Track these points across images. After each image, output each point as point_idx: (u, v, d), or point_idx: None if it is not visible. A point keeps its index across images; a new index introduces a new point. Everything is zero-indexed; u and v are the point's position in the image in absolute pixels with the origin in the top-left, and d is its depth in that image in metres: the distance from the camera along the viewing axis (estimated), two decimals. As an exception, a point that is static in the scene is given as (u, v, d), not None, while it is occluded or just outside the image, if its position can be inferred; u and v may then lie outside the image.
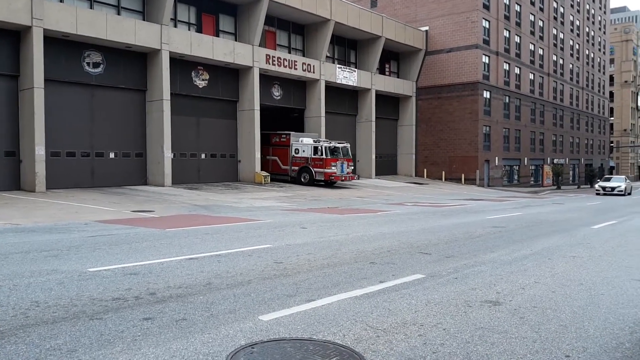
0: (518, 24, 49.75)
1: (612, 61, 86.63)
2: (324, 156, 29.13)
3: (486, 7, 44.44)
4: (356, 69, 36.19)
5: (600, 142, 74.48)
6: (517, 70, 49.89)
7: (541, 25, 54.71)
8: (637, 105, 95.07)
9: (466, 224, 14.66)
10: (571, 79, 63.06)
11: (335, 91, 35.52)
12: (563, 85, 60.65)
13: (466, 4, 43.53)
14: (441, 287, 6.68)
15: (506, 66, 47.89)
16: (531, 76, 52.98)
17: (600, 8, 72.45)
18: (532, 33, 52.77)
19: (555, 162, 57.51)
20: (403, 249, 9.73)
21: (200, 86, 27.62)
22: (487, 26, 44.70)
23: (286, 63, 30.59)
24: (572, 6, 62.57)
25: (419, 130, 44.14)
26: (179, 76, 26.41)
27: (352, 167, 31.41)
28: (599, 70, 73.17)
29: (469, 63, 43.42)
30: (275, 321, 5.08)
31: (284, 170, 30.75)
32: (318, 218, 15.01)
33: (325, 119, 33.47)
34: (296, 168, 30.20)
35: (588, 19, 67.95)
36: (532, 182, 53.81)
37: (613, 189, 39.79)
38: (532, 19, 52.74)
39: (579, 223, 15.98)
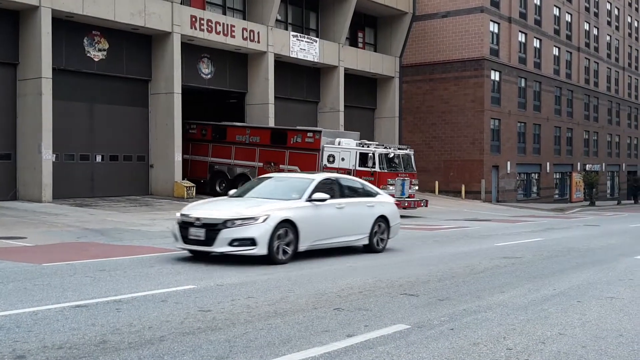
0: (538, -19, 51.27)
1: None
2: (377, 168, 26.90)
3: (495, -44, 45.62)
4: (318, 39, 36.43)
5: (648, 141, 77.18)
6: (536, 43, 51.26)
7: (568, -18, 56.53)
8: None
9: (467, 254, 14.84)
10: (609, 55, 65.24)
11: (289, 69, 35.63)
12: (598, 64, 62.67)
13: (468, -48, 44.56)
14: (432, 343, 6.72)
15: (522, 37, 49.15)
16: (556, 51, 54.52)
17: (646, -39, 75.48)
18: (557, -7, 54.47)
19: (587, 168, 59.20)
20: (380, 289, 9.77)
21: (97, 59, 27.21)
22: (497, -18, 45.86)
23: (220, 28, 30.52)
24: (609, -42, 65.00)
25: (404, 124, 44.72)
26: (65, 45, 25.96)
27: (417, 187, 30.02)
28: (645, 45, 75.97)
29: (472, 32, 44.37)
30: (197, 395, 5.02)
31: None
32: (263, 246, 14.92)
33: (274, 106, 33.54)
34: None
35: (630, -25, 70.67)
36: (556, 196, 55.21)
37: None
38: (557, -26, 54.46)
39: (619, 252, 16.41)
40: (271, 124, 32.84)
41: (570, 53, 57.06)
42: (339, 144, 28.15)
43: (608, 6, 64.94)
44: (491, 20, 45.05)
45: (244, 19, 33.16)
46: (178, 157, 28.81)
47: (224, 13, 32.47)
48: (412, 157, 29.18)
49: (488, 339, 7.00)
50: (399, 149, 28.68)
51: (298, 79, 36.91)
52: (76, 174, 26.89)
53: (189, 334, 6.75)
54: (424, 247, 16.26)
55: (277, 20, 34.61)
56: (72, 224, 18.66)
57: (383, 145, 28.28)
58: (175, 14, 28.47)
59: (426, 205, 29.24)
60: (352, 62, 38.57)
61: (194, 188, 28.98)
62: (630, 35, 70.77)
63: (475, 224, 25.58)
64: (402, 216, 26.35)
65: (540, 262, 13.85)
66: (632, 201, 62.11)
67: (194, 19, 29.40)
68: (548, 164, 53.32)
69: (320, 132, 28.69)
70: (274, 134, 29.94)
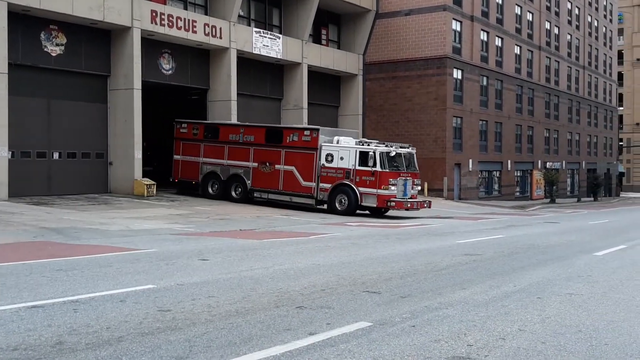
0: (500, -21, 51.90)
1: (620, 32, 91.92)
2: (377, 168, 25.83)
3: (458, -46, 46.03)
4: (281, 35, 36.38)
5: (607, 139, 78.75)
6: (498, 42, 51.89)
7: (530, -19, 57.34)
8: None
9: (429, 251, 14.99)
10: (569, 54, 66.37)
11: (252, 65, 35.52)
12: (558, 62, 63.70)
13: (431, -50, 44.87)
14: (393, 340, 6.77)
15: (484, 36, 49.71)
16: (517, 50, 55.25)
17: (605, -38, 76.94)
18: (518, -8, 55.19)
19: (548, 166, 60.16)
20: (343, 286, 9.81)
21: (54, 54, 26.80)
22: (459, -19, 46.27)
23: (181, 23, 30.27)
24: (569, -42, 66.08)
25: (368, 121, 44.94)
26: (21, 39, 25.50)
27: (419, 187, 29.35)
28: (605, 44, 77.48)
29: (435, 30, 44.72)
30: (156, 395, 4.98)
31: (305, 189, 27.38)
32: (226, 245, 14.90)
33: (237, 103, 33.40)
34: (327, 186, 26.80)
35: (590, -25, 71.96)
36: (517, 194, 56.00)
37: None
38: (518, -27, 55.18)
39: (579, 249, 16.74)
40: (234, 120, 32.67)
41: (532, 52, 57.87)
42: (337, 142, 27.17)
43: (569, 5, 66.03)
44: (454, 19, 45.47)
45: (206, 14, 32.96)
46: (138, 154, 28.48)
47: (185, 8, 32.20)
48: (414, 156, 28.24)
49: (449, 335, 7.07)
50: (400, 147, 27.67)
51: (261, 75, 36.82)
52: (33, 171, 26.44)
53: (148, 334, 6.69)
54: (386, 244, 16.37)
55: (239, 16, 34.49)
56: (29, 222, 18.35)
57: (384, 144, 27.29)
58: (135, 8, 28.15)
59: (429, 207, 28.58)
60: (316, 59, 38.59)
61: (155, 186, 28.68)
62: (590, 34, 72.06)
63: (437, 222, 25.83)
64: (359, 214, 26.73)
65: (501, 259, 14.05)
66: (592, 199, 63.35)
67: (154, 14, 29.10)
68: (509, 161, 54.03)
69: (317, 130, 27.62)
70: (269, 133, 29.01)
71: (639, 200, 70.74)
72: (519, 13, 55.50)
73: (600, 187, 65.19)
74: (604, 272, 12.43)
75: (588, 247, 17.29)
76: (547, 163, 60.64)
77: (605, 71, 77.59)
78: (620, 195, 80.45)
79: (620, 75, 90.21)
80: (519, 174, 56.80)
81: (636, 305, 9.14)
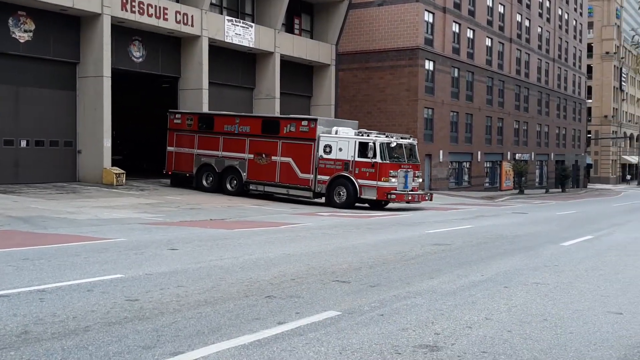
0: (472, -28, 52.13)
1: (590, 25, 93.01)
2: (377, 159, 25.02)
3: (430, -54, 46.13)
4: (254, 24, 36.20)
5: (575, 132, 79.72)
6: (469, 34, 52.17)
7: (501, -26, 57.66)
8: (620, 85, 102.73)
9: (399, 241, 15.08)
10: (540, 47, 66.96)
11: (224, 54, 35.31)
12: (529, 55, 64.26)
13: (404, -59, 44.89)
14: (362, 328, 6.80)
15: (456, 27, 49.94)
16: (488, 42, 55.62)
17: (575, -45, 77.66)
18: (490, -16, 55.51)
19: (517, 158, 60.79)
20: (313, 276, 9.82)
21: (22, 40, 26.39)
22: (432, -28, 46.39)
23: (152, 11, 29.96)
24: (540, -49, 66.57)
25: (340, 111, 44.90)
26: (-12, 25, 25.09)
27: (420, 180, 28.56)
28: (575, 37, 78.30)
29: (407, 22, 44.83)
30: (123, 384, 4.95)
31: (302, 181, 26.59)
32: (196, 235, 14.83)
33: (209, 92, 33.22)
34: (325, 178, 26.04)
35: (560, -32, 72.59)
36: (487, 184, 56.53)
37: None
38: (490, -34, 55.48)
39: (546, 239, 16.96)
40: (205, 109, 32.49)
41: (503, 44, 58.29)
42: (336, 133, 26.34)
43: (539, -2, 66.62)
44: (426, 10, 45.59)
45: (178, 1, 32.60)
46: (107, 142, 28.22)
47: (157, -5, 31.88)
48: (416, 147, 27.51)
49: (417, 324, 7.12)
50: (401, 138, 26.91)
51: (233, 64, 36.63)
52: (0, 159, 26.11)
53: (115, 323, 6.64)
54: (357, 234, 16.43)
55: (211, 4, 34.24)
56: (-4, 211, 18.09)
57: (384, 134, 26.59)
58: (106, -6, 27.81)
59: (431, 199, 28.27)
60: (289, 49, 38.46)
61: (124, 175, 28.44)
62: (560, 27, 72.76)
63: (407, 212, 25.96)
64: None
65: (469, 248, 14.18)
66: (560, 190, 64.16)
67: (124, 1, 28.74)
68: (479, 152, 54.48)
69: (315, 120, 27.01)
70: (265, 123, 28.23)
71: (606, 191, 71.86)
72: (491, 5, 55.84)
73: (568, 178, 66.01)
74: (570, 262, 12.61)
75: (555, 237, 17.52)
76: (517, 154, 61.25)
77: (574, 64, 78.47)
78: (588, 186, 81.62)
79: (589, 68, 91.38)
80: (488, 165, 57.31)
81: (601, 295, 9.29)
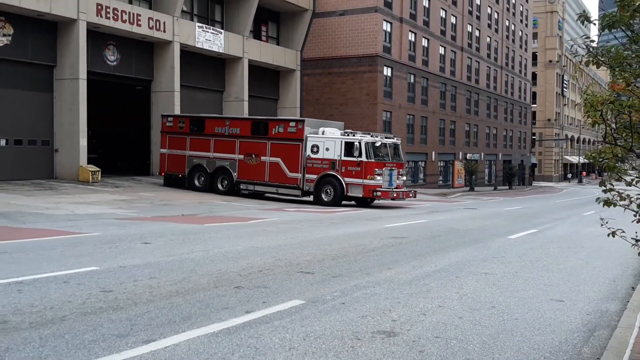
0: (427, -15, 52.50)
1: (535, 36, 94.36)
2: (363, 158, 24.59)
3: (389, -40, 46.34)
4: (223, 31, 35.97)
5: (521, 134, 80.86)
6: (424, 43, 52.55)
7: (454, -13, 58.19)
8: (562, 91, 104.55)
9: (359, 235, 15.16)
10: (488, 55, 67.72)
11: (195, 58, 35.03)
12: (479, 62, 64.96)
13: (364, -45, 45.02)
14: (324, 316, 6.83)
15: (412, 36, 50.26)
16: (441, 50, 56.08)
17: (521, -29, 78.74)
18: (444, -3, 55.97)
19: (468, 157, 61.43)
20: (279, 267, 9.83)
21: (1, 44, 25.82)
22: (390, -15, 46.60)
23: (126, 17, 29.57)
24: (490, -34, 67.36)
25: (305, 114, 44.81)
26: (-33, 28, 24.50)
27: (405, 178, 28.13)
28: (521, 46, 79.38)
29: (367, 31, 44.97)
30: (98, 371, 4.90)
31: (291, 180, 25.93)
32: (168, 229, 14.70)
33: (180, 94, 32.92)
34: (313, 177, 25.49)
35: (508, -17, 73.51)
36: (440, 182, 57.01)
37: None
38: (444, -21, 55.94)
39: (494, 232, 17.20)
40: (177, 111, 32.19)
41: (455, 52, 58.83)
42: (322, 133, 25.77)
43: (489, 10, 67.33)
44: (384, 20, 45.79)
45: (150, 8, 32.28)
46: (83, 141, 27.80)
47: (130, 2, 31.46)
48: (400, 146, 27.16)
49: (375, 311, 7.18)
50: (386, 137, 26.58)
51: (204, 68, 36.36)
52: (-20, 157, 25.55)
53: (90, 313, 6.57)
54: (321, 228, 16.46)
55: (183, 10, 33.96)
56: (-25, 206, 17.69)
57: (369, 134, 26.12)
58: (81, 1, 27.33)
59: (415, 196, 28.02)
60: (256, 54, 38.33)
61: (99, 172, 28.02)
62: (507, 37, 73.68)
63: (369, 208, 26.05)
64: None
65: (424, 241, 14.30)
66: (507, 187, 65.01)
67: (99, 7, 28.33)
68: (433, 153, 54.91)
69: (303, 121, 26.19)
70: (254, 125, 27.46)
71: (549, 188, 73.05)
72: (444, 16, 56.31)
73: (514, 176, 66.96)
74: (516, 254, 12.81)
75: (503, 231, 17.78)
76: (467, 154, 61.88)
77: (520, 71, 79.56)
78: (533, 184, 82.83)
79: (534, 76, 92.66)
80: (442, 164, 57.79)
81: (544, 284, 9.46)
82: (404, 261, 11.07)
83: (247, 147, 27.07)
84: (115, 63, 31.01)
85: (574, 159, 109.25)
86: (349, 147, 24.85)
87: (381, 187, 24.92)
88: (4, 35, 25.92)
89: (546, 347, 6.12)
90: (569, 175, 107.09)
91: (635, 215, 4.84)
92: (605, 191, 4.93)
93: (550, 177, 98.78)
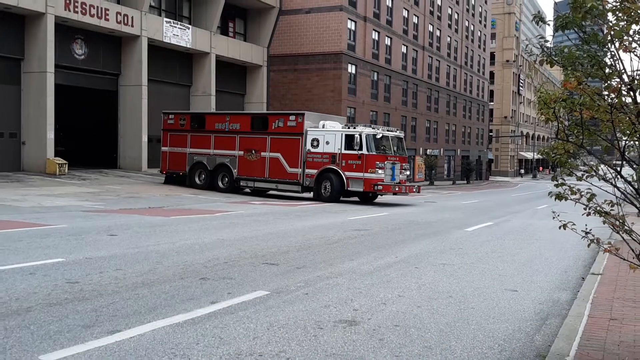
0: (390, -15, 52.69)
1: (493, 36, 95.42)
2: (364, 151, 23.46)
3: (353, -40, 46.34)
4: (191, 26, 35.63)
5: (479, 130, 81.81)
6: (387, 41, 52.75)
7: (416, -12, 58.51)
8: (518, 89, 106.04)
9: (323, 227, 15.16)
10: (448, 54, 68.32)
11: (162, 53, 34.62)
12: (439, 61, 65.48)
13: (330, -46, 44.95)
14: (288, 306, 6.81)
15: (375, 35, 50.40)
16: (404, 49, 56.37)
17: (481, -27, 79.54)
18: (406, -3, 56.24)
19: (428, 153, 61.95)
20: (244, 259, 9.77)
21: (-33, 36, 25.17)
22: (354, -16, 46.63)
23: (94, 11, 29.09)
24: (450, -32, 67.89)
25: (271, 109, 44.66)
26: None
27: (408, 172, 26.83)
28: (479, 46, 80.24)
29: (332, 28, 44.95)
30: (62, 361, 4.80)
31: (291, 176, 24.95)
32: (135, 222, 14.51)
33: (147, 88, 32.51)
34: (313, 172, 24.44)
35: (468, -16, 74.21)
36: (403, 176, 57.34)
37: None
38: (406, -20, 56.20)
39: (452, 225, 17.36)
40: (144, 105, 31.80)
41: (416, 51, 59.20)
42: (323, 127, 24.68)
43: (449, 11, 67.88)
44: (349, 19, 45.82)
45: (118, 3, 31.80)
46: (50, 135, 27.33)
47: (99, -3, 30.97)
48: (403, 140, 26.10)
49: (337, 301, 7.18)
50: (388, 130, 25.41)
51: (171, 63, 35.99)
52: (-55, 149, 24.89)
53: (56, 304, 6.44)
54: (286, 221, 16.42)
55: (150, 6, 33.56)
56: (-60, 198, 17.23)
57: (370, 126, 25.08)
58: (50, -5, 26.82)
59: (419, 191, 27.05)
60: (223, 50, 38.05)
61: (66, 165, 27.59)
62: (467, 37, 74.39)
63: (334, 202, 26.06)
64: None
65: (385, 233, 14.37)
66: (465, 181, 65.80)
67: (67, 1, 27.82)
68: (396, 148, 55.15)
69: (303, 115, 25.05)
70: (254, 120, 26.65)
71: (505, 183, 74.12)
72: (406, 16, 56.59)
73: (472, 171, 67.80)
74: (473, 246, 12.95)
75: (460, 223, 17.95)
76: (428, 150, 62.39)
77: (479, 70, 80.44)
78: (489, 179, 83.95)
79: (492, 74, 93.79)
80: (403, 159, 58.12)
81: (499, 274, 9.58)
82: (366, 252, 11.11)
83: (247, 143, 26.12)
84: (83, 57, 30.51)
85: (529, 155, 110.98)
86: (349, 140, 23.75)
87: (383, 181, 23.75)
88: (-30, 27, 25.27)
89: (500, 334, 6.20)
90: (522, 171, 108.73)
91: (585, 209, 4.92)
92: (557, 185, 5.00)
93: (506, 172, 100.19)
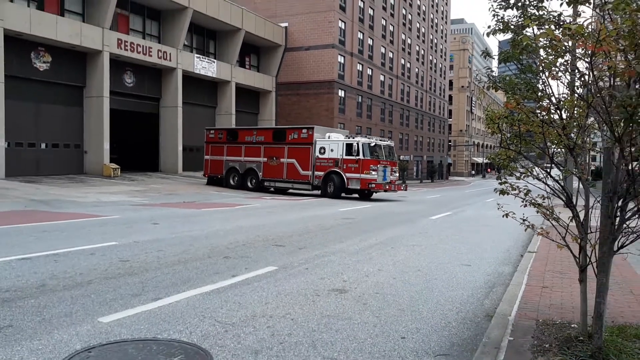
0: (371, 27, 52.59)
1: (451, 67, 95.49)
2: (360, 156, 23.32)
3: (342, 8, 46.28)
4: (216, 60, 35.56)
5: (441, 140, 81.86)
6: (369, 72, 52.72)
7: (392, 30, 58.43)
8: (471, 109, 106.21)
9: (320, 217, 15.15)
10: (417, 82, 68.36)
11: (194, 82, 34.56)
12: (410, 87, 65.49)
13: (324, 4, 44.89)
14: (292, 278, 6.81)
15: (360, 67, 50.37)
16: (382, 78, 56.36)
17: (442, 18, 79.47)
18: (384, 37, 56.14)
19: (401, 158, 61.90)
20: (258, 242, 9.75)
21: (41, 69, 25.09)
22: (343, 27, 46.57)
23: (140, 49, 29.02)
24: (418, 14, 67.79)
25: (279, 124, 44.65)
26: (15, 57, 23.70)
27: (398, 174, 26.41)
28: (441, 75, 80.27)
29: (326, 62, 44.92)
30: (116, 322, 4.78)
31: (303, 177, 24.71)
32: (172, 213, 14.49)
33: (182, 109, 32.45)
34: (320, 174, 24.25)
35: (432, 27, 74.15)
36: (382, 177, 57.25)
37: None
38: (384, 24, 56.11)
39: (421, 215, 17.35)
40: (179, 122, 31.74)
41: (392, 79, 59.17)
42: (328, 137, 24.57)
43: (417, 48, 67.82)
44: (339, 54, 45.80)
45: (159, 42, 31.74)
46: (106, 145, 27.29)
47: (144, 37, 30.91)
48: (393, 148, 25.82)
49: (331, 274, 7.18)
50: (380, 139, 25.29)
51: (201, 89, 35.93)
52: (25, 157, 24.84)
53: (111, 278, 6.43)
54: (291, 212, 16.40)
55: (184, 44, 33.48)
56: (21, 196, 17.18)
57: (366, 136, 24.88)
58: (106, 37, 26.77)
59: (405, 189, 26.75)
60: (241, 79, 38.00)
61: (119, 169, 27.54)
62: (431, 68, 74.33)
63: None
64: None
65: (368, 222, 14.35)
66: (430, 181, 65.77)
67: (120, 41, 27.75)
68: (376, 155, 55.10)
69: (312, 128, 24.86)
70: (275, 133, 26.12)
71: (461, 182, 74.09)
72: (384, 52, 56.58)
73: (435, 173, 67.78)
74: (437, 230, 12.93)
75: (427, 213, 17.94)
76: (401, 156, 62.34)
77: (440, 94, 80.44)
78: (449, 178, 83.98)
79: (450, 97, 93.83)
80: (382, 163, 58.02)
81: (457, 253, 9.57)
82: (353, 236, 11.10)
83: (269, 152, 25.86)
84: (131, 84, 30.44)
85: (480, 160, 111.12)
86: (349, 148, 23.65)
87: (375, 181, 23.59)
88: (44, 62, 25.22)
89: (457, 299, 6.20)
90: (473, 172, 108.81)
91: (522, 202, 4.93)
92: (501, 184, 5.01)
93: (462, 174, 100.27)
